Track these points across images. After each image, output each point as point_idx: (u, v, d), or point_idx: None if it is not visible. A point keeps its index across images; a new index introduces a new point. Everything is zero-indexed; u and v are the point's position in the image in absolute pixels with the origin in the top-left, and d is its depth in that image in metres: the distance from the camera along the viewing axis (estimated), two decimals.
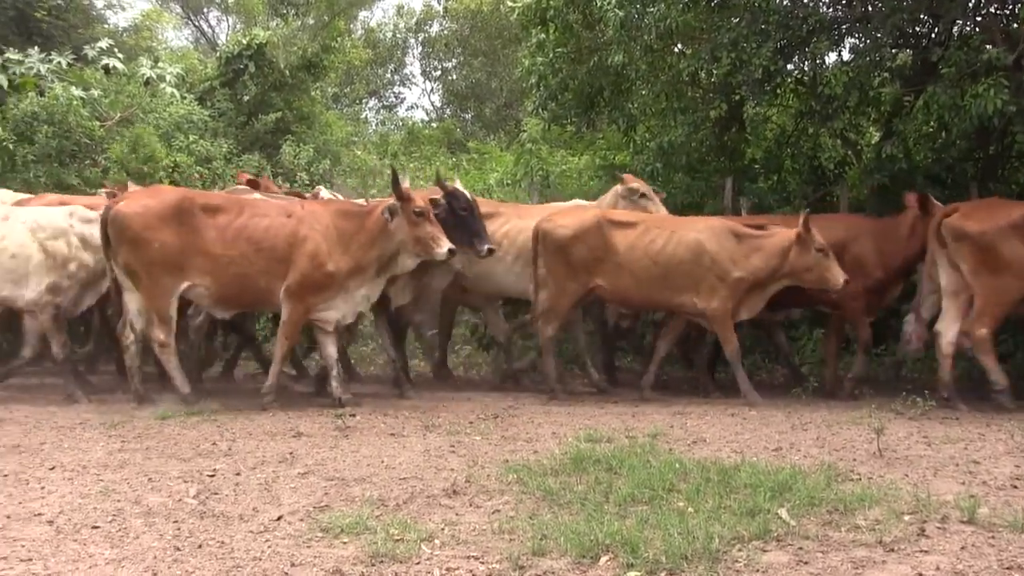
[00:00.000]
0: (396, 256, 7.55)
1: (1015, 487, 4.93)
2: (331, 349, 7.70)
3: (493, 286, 8.81)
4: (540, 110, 11.88)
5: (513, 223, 8.68)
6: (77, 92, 11.88)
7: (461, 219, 7.84)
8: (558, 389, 8.18)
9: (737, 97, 10.66)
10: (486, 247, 7.83)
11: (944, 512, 4.38)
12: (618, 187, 8.98)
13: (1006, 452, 5.78)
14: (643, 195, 8.83)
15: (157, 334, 7.35)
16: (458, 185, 8.15)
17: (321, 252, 7.39)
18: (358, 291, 7.63)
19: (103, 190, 9.51)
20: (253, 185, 9.10)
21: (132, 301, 7.44)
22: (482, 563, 3.80)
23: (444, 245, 7.36)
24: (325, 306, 7.55)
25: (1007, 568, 3.70)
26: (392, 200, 7.48)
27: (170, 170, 11.61)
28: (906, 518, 4.30)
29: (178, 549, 3.98)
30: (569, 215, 8.36)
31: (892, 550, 3.90)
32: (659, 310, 8.64)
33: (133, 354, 7.56)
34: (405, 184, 7.57)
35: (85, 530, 4.22)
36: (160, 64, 14.15)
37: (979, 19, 9.39)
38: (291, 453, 5.77)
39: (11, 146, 11.05)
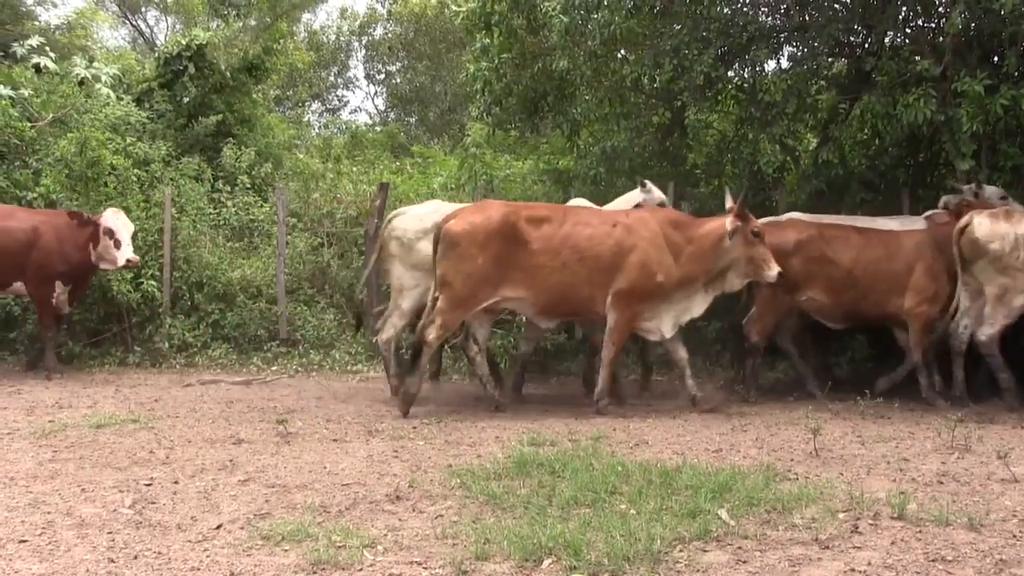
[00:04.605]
0: (725, 273, 7.67)
1: (940, 483, 5.12)
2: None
3: None
4: (484, 115, 11.88)
5: None
6: (5, 91, 11.52)
7: None
8: None
9: (679, 103, 10.82)
10: None
11: (876, 509, 4.52)
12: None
13: (933, 449, 6.00)
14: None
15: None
16: None
17: (650, 262, 7.47)
18: (681, 303, 7.69)
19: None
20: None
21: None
22: (425, 568, 3.79)
23: (775, 268, 7.52)
24: (651, 315, 7.65)
25: (932, 560, 3.84)
26: (731, 218, 7.58)
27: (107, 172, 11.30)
28: (840, 516, 4.43)
29: (112, 561, 3.86)
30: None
31: (827, 547, 4.01)
32: None
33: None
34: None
35: (11, 544, 4.06)
36: (95, 64, 13.74)
37: (908, 31, 9.66)
38: (231, 460, 5.67)
39: None
